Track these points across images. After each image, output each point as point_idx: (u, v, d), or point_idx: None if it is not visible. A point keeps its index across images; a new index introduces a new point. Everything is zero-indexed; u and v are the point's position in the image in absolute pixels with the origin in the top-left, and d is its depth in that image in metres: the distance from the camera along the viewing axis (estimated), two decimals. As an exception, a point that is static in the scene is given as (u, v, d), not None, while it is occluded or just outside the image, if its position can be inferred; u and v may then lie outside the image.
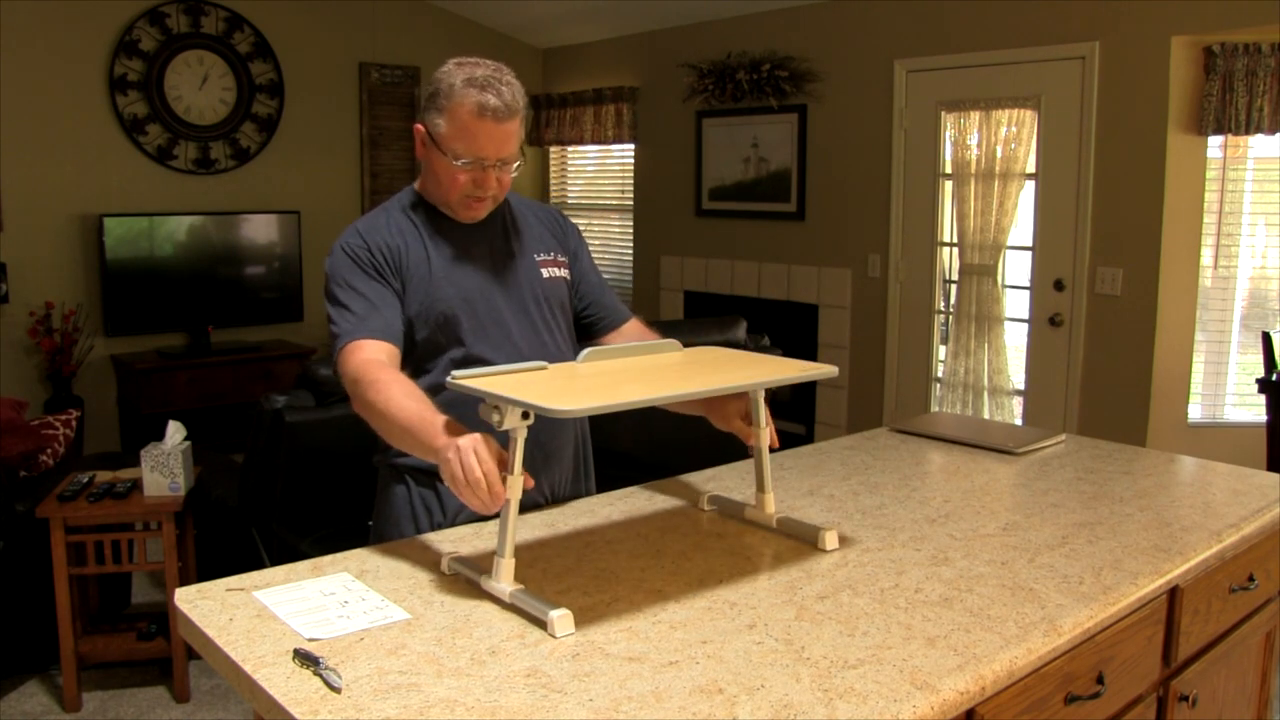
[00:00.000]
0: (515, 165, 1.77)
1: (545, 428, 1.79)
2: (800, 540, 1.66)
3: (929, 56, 4.81)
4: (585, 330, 2.00)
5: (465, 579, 1.49)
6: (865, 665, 1.24)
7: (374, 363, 1.65)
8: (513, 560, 1.42)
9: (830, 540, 1.63)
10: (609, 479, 2.09)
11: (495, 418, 1.38)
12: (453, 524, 1.79)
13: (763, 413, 1.71)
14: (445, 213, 1.84)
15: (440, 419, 1.50)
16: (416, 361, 1.80)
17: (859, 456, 2.21)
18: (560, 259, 1.94)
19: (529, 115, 1.78)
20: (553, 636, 1.31)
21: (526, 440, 1.40)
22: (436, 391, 1.67)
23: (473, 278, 1.82)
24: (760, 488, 1.73)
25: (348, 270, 1.76)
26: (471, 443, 1.41)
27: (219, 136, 5.76)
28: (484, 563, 1.48)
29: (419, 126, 1.76)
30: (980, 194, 4.67)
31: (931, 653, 1.27)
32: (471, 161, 1.72)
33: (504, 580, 1.41)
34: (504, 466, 1.40)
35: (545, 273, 1.90)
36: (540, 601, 1.36)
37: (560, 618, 1.32)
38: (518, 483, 1.40)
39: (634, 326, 2.03)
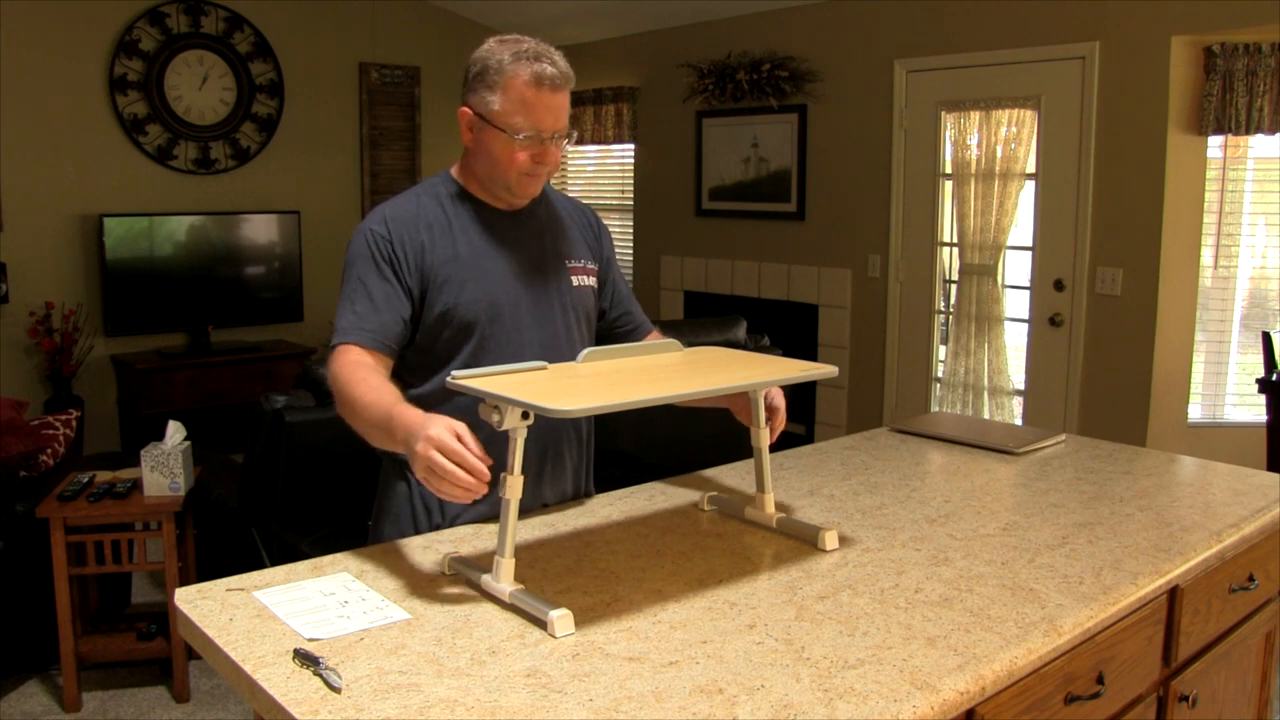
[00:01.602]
0: (567, 139, 1.74)
1: (546, 429, 1.79)
2: (800, 540, 1.66)
3: (929, 56, 4.81)
4: (613, 340, 1.96)
5: (465, 579, 1.49)
6: (865, 665, 1.24)
7: (357, 364, 1.64)
8: (513, 560, 1.42)
9: (830, 540, 1.63)
10: (609, 479, 2.09)
11: (495, 418, 1.38)
12: (451, 526, 1.78)
13: (763, 412, 1.71)
14: (490, 200, 1.79)
15: (408, 409, 1.48)
16: (435, 361, 1.76)
17: (859, 456, 2.21)
18: (590, 266, 1.90)
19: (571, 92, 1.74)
20: (553, 636, 1.31)
21: (527, 442, 1.40)
22: (449, 394, 1.66)
23: (502, 282, 1.77)
24: (760, 488, 1.73)
25: (363, 260, 1.72)
26: (441, 432, 1.38)
27: (219, 136, 5.76)
28: (484, 563, 1.48)
29: (465, 110, 1.72)
30: (980, 194, 4.67)
31: (931, 653, 1.27)
32: (532, 135, 1.68)
33: (504, 580, 1.41)
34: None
35: (575, 280, 1.86)
36: (540, 601, 1.36)
37: (560, 618, 1.32)
38: (518, 483, 1.40)
39: (655, 338, 2.00)
